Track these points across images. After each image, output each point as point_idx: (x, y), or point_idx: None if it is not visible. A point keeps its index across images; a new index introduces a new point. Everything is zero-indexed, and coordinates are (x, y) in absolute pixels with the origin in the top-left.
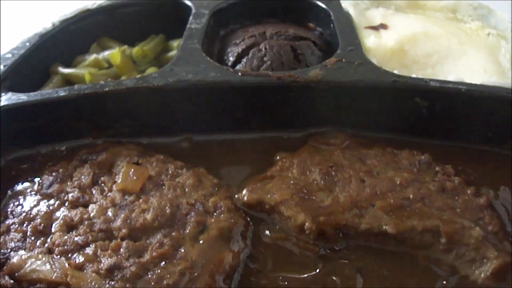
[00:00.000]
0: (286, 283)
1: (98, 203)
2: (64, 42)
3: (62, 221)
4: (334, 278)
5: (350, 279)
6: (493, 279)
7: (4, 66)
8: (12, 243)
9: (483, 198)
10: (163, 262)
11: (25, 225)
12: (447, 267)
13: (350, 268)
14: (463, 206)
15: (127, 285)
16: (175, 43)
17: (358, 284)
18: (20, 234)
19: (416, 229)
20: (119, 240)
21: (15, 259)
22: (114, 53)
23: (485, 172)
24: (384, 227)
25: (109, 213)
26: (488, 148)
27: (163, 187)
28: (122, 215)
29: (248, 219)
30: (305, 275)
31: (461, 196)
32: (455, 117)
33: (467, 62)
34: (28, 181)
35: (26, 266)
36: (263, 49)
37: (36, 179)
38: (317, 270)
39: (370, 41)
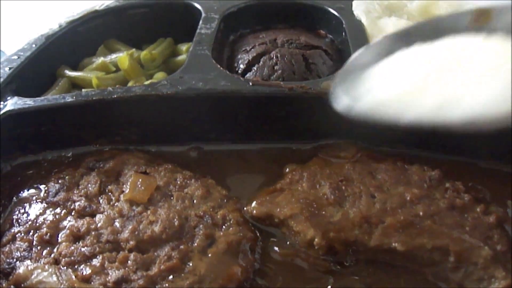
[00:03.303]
0: None
1: (105, 213)
2: (71, 43)
3: (68, 231)
4: None
5: None
6: None
7: (10, 68)
8: (18, 252)
9: (493, 217)
10: (171, 276)
11: (31, 234)
12: (455, 286)
13: (360, 284)
14: (472, 224)
15: None
16: (184, 47)
17: None
18: (26, 243)
19: (425, 247)
20: (126, 252)
21: (21, 270)
22: (122, 58)
23: (495, 189)
24: (393, 244)
25: (117, 224)
26: (499, 166)
27: (171, 198)
28: (130, 227)
29: (257, 233)
30: None
31: (471, 214)
32: (466, 133)
33: None
34: (34, 188)
35: (33, 277)
36: (274, 57)
37: (42, 186)
38: (328, 287)
39: None
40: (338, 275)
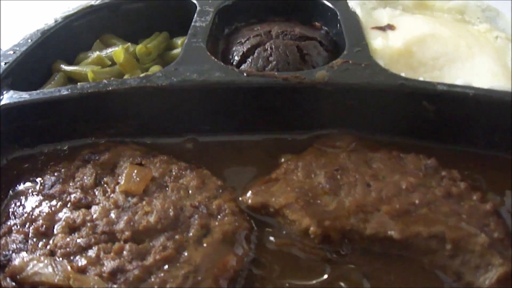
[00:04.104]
0: None
1: (101, 204)
2: (67, 38)
3: (64, 223)
4: (341, 283)
5: (357, 284)
6: (497, 286)
7: (6, 63)
8: (14, 244)
9: (489, 204)
10: (167, 266)
11: (27, 226)
12: (452, 273)
13: (357, 273)
14: (468, 212)
15: None
16: (179, 41)
17: None
18: (22, 236)
19: (422, 235)
20: (122, 242)
21: (17, 261)
22: (117, 51)
23: (491, 177)
24: (389, 232)
25: (112, 215)
26: (495, 153)
27: (167, 188)
28: (125, 217)
29: (252, 223)
30: (313, 281)
31: (467, 202)
32: (462, 121)
33: (474, 65)
34: (30, 181)
35: (28, 268)
36: (269, 48)
37: (38, 179)
38: (325, 276)
39: (377, 42)
40: (334, 264)
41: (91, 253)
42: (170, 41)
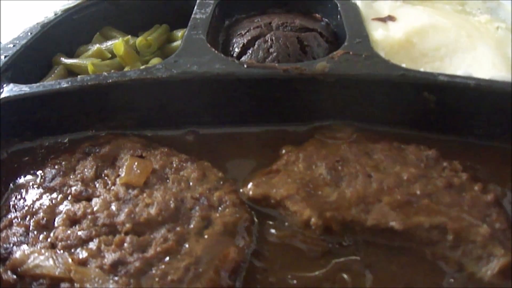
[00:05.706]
0: (295, 281)
1: (102, 197)
2: (67, 31)
3: (65, 215)
4: (343, 275)
5: (359, 276)
6: (499, 277)
7: (5, 56)
8: (15, 237)
9: (491, 195)
10: (168, 258)
11: (27, 219)
12: (454, 264)
13: (359, 265)
14: (470, 203)
15: (131, 280)
16: (179, 33)
17: (367, 281)
18: (23, 229)
19: (423, 226)
20: (123, 235)
21: (17, 254)
22: (117, 44)
23: (492, 168)
24: (390, 223)
25: (113, 208)
26: (496, 144)
27: (167, 180)
28: (126, 210)
29: (254, 215)
30: (315, 273)
31: (468, 193)
32: (463, 112)
33: (475, 56)
34: (31, 174)
35: (29, 261)
36: (269, 40)
37: (39, 172)
38: (327, 267)
39: (377, 33)
40: (336, 255)
41: (92, 245)
42: (170, 34)
